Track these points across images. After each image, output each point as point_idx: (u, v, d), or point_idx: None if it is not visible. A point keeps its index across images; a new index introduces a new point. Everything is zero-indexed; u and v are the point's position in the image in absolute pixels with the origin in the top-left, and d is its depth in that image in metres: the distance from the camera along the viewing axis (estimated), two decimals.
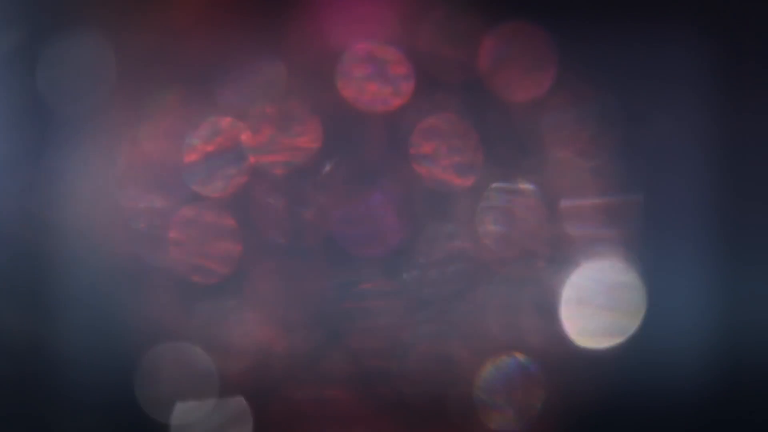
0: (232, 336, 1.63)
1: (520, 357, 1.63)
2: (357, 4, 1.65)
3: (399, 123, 1.64)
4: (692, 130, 1.65)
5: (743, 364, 1.64)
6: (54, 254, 1.63)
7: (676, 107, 1.65)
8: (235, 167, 1.63)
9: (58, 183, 1.64)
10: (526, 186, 1.64)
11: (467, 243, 1.64)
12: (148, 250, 1.63)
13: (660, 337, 1.64)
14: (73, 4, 1.65)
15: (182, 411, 1.62)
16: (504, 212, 1.64)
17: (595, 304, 1.63)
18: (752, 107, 1.65)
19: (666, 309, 1.64)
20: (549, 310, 1.63)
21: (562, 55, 1.63)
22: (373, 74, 1.64)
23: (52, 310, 1.63)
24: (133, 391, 1.61)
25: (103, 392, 1.62)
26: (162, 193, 1.64)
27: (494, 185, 1.64)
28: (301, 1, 1.65)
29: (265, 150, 1.64)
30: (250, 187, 1.63)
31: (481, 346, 1.63)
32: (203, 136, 1.64)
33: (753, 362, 1.65)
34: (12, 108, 1.64)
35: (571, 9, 1.63)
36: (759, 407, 1.65)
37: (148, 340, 1.62)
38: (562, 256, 1.64)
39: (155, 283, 1.63)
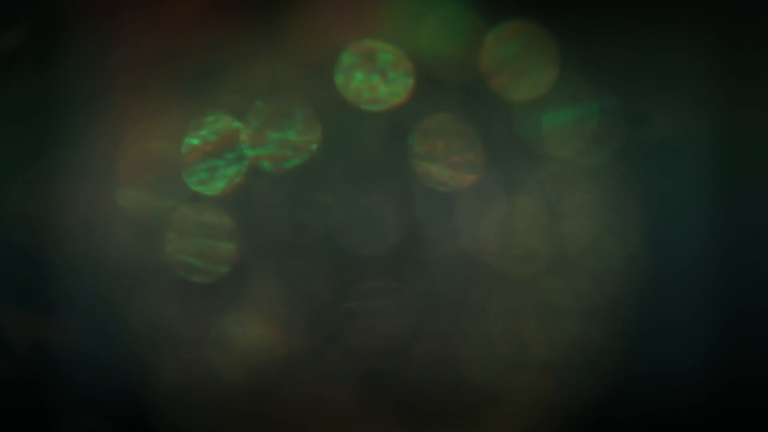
0: (232, 336, 1.63)
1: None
2: (357, 3, 1.65)
3: (399, 122, 1.64)
4: (692, 129, 1.65)
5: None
6: (54, 254, 1.63)
7: (677, 107, 1.65)
8: (234, 167, 1.63)
9: (58, 183, 1.64)
10: (526, 186, 1.64)
11: (467, 243, 1.64)
12: (147, 250, 1.63)
13: (660, 341, 1.64)
14: (72, 3, 1.64)
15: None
16: (504, 212, 1.64)
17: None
18: (752, 107, 1.65)
19: (664, 312, 1.64)
20: (549, 311, 1.64)
21: (562, 55, 1.63)
22: (373, 73, 1.64)
23: (52, 310, 1.63)
24: (134, 391, 1.62)
25: (103, 392, 1.62)
26: (162, 192, 1.64)
27: (495, 185, 1.64)
28: (301, 0, 1.65)
29: (265, 150, 1.64)
30: (249, 187, 1.63)
31: (481, 346, 1.64)
32: (203, 136, 1.64)
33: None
34: (12, 108, 1.64)
35: (571, 9, 1.63)
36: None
37: (148, 340, 1.62)
38: (563, 256, 1.64)
39: (155, 283, 1.63)
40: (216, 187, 1.63)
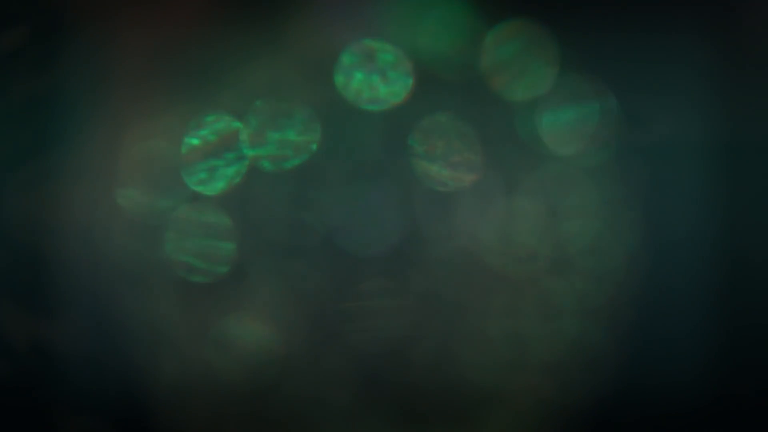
0: (232, 336, 1.63)
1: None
2: (357, 3, 1.65)
3: (399, 122, 1.64)
4: (692, 129, 1.65)
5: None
6: (54, 254, 1.63)
7: (677, 106, 1.65)
8: (234, 167, 1.63)
9: (58, 183, 1.64)
10: (526, 186, 1.64)
11: (467, 243, 1.64)
12: (147, 250, 1.63)
13: (660, 339, 1.64)
14: (72, 3, 1.64)
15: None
16: (504, 212, 1.64)
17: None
18: (752, 107, 1.65)
19: (664, 312, 1.64)
20: (549, 311, 1.63)
21: (562, 55, 1.63)
22: (373, 73, 1.64)
23: (52, 310, 1.63)
24: (133, 391, 1.62)
25: (103, 392, 1.62)
26: (162, 192, 1.64)
27: (495, 185, 1.64)
28: (301, 0, 1.65)
29: (265, 150, 1.64)
30: (249, 187, 1.63)
31: (481, 346, 1.63)
32: (203, 136, 1.64)
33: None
34: (12, 108, 1.64)
35: (571, 8, 1.63)
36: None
37: (147, 339, 1.62)
38: (563, 256, 1.64)
39: (155, 283, 1.63)
40: (216, 187, 1.63)
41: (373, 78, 1.64)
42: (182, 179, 1.63)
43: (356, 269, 1.63)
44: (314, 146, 1.63)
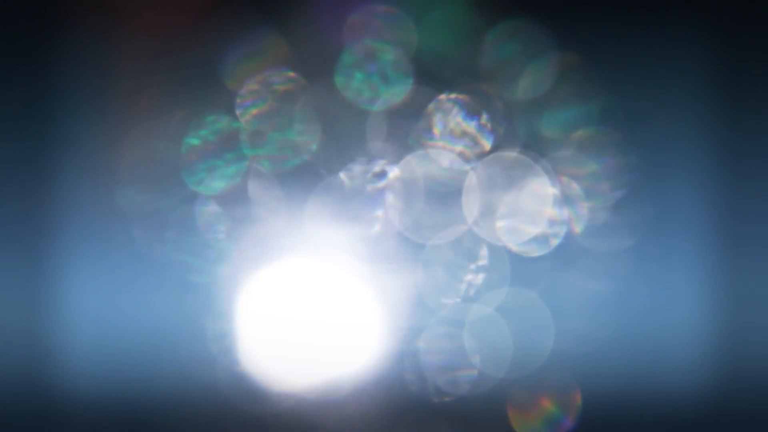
0: (232, 335, 1.63)
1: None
2: (357, 3, 1.65)
3: (399, 122, 1.64)
4: (692, 129, 1.65)
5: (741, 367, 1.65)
6: (54, 254, 1.63)
7: (676, 106, 1.65)
8: (234, 167, 1.64)
9: (58, 183, 1.64)
10: (526, 185, 1.64)
11: (467, 242, 1.64)
12: (147, 249, 1.63)
13: (656, 342, 1.64)
14: (72, 3, 1.65)
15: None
16: (504, 211, 1.64)
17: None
18: (752, 107, 1.65)
19: (663, 311, 1.64)
20: (549, 310, 1.64)
21: (562, 55, 1.63)
22: (373, 73, 1.64)
23: (53, 310, 1.63)
24: (133, 391, 1.62)
25: (103, 392, 1.63)
26: (162, 192, 1.64)
27: (495, 185, 1.64)
28: (301, 1, 1.65)
29: (265, 150, 1.64)
30: (250, 187, 1.63)
31: (482, 345, 1.64)
32: (203, 136, 1.64)
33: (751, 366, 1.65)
34: (12, 108, 1.64)
35: (571, 8, 1.63)
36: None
37: (147, 339, 1.62)
38: (564, 254, 1.64)
39: (155, 283, 1.63)
40: (216, 186, 1.64)
41: (373, 78, 1.64)
42: (182, 179, 1.64)
43: (356, 269, 1.64)
44: (314, 146, 1.63)
